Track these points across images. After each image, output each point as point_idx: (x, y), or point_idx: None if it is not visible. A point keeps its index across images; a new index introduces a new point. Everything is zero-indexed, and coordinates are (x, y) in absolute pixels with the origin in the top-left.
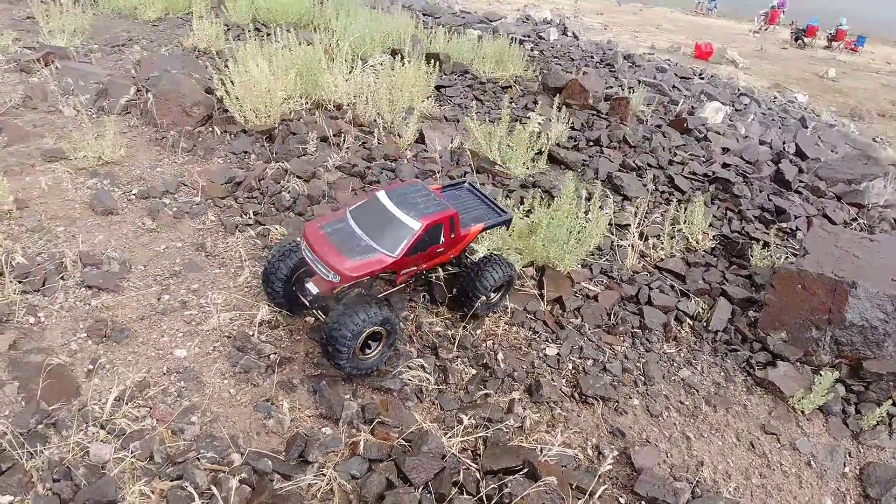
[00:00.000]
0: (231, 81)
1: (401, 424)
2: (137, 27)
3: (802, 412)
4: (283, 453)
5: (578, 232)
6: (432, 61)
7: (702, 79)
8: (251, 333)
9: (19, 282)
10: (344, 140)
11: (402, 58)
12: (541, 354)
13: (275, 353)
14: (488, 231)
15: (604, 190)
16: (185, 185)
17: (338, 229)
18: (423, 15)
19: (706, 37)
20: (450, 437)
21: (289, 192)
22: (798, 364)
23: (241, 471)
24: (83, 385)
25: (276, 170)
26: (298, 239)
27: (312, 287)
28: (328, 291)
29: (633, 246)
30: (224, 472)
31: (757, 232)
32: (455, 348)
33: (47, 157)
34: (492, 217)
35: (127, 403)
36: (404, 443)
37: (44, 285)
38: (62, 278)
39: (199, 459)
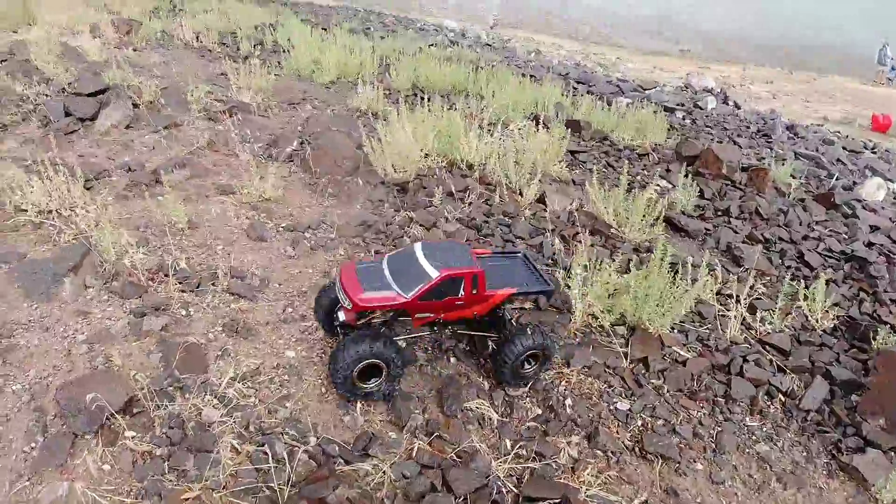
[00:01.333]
0: (378, 140)
1: (457, 442)
2: (313, 88)
3: None
4: (351, 444)
5: (672, 296)
6: (571, 128)
7: (873, 153)
8: None
9: (179, 282)
10: (468, 195)
11: (542, 123)
12: (611, 408)
13: None
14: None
15: (717, 259)
16: (325, 224)
17: (370, 269)
18: (577, 83)
19: (886, 109)
20: (499, 462)
21: (409, 238)
22: (892, 453)
23: (313, 451)
24: (210, 364)
25: (403, 217)
26: None
27: (341, 315)
28: (351, 321)
29: (736, 316)
30: (299, 447)
31: (890, 316)
32: (526, 388)
33: (220, 191)
34: (533, 284)
35: (239, 383)
36: (456, 458)
37: (198, 287)
38: (213, 284)
39: (282, 434)
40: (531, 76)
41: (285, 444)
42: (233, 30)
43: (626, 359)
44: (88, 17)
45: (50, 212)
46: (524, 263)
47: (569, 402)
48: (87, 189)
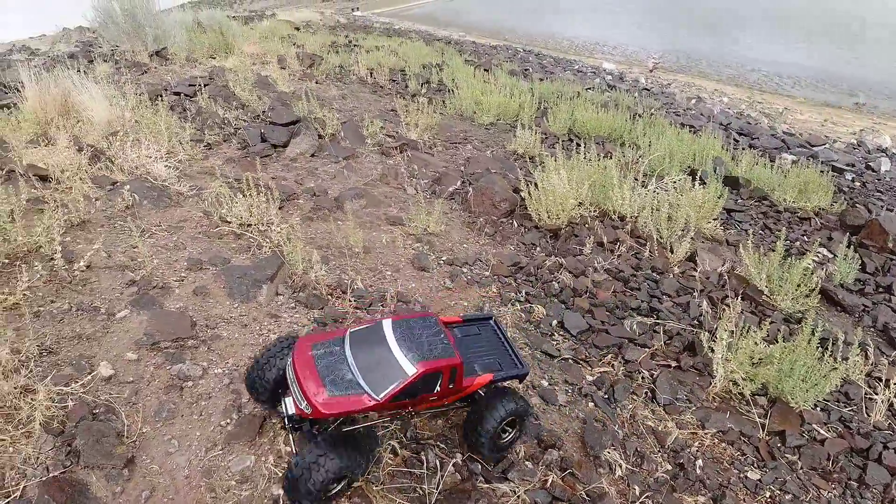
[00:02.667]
0: (535, 185)
1: (587, 483)
2: (473, 129)
3: None
4: (492, 466)
5: (818, 372)
6: (729, 185)
7: None
8: None
9: (354, 300)
10: (618, 247)
11: (698, 178)
12: (741, 475)
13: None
14: None
15: (871, 339)
16: (480, 261)
17: (329, 353)
18: (739, 135)
19: None
20: None
21: (558, 283)
22: None
23: (460, 465)
24: None
25: (553, 263)
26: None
27: (289, 405)
28: (301, 416)
29: (883, 401)
30: (448, 460)
31: None
32: (657, 445)
33: (389, 221)
34: (507, 366)
35: None
36: (586, 496)
37: (370, 307)
38: (381, 304)
39: (434, 446)
40: (689, 126)
41: (436, 454)
42: (402, 67)
43: (763, 430)
44: (276, 49)
45: (249, 225)
46: (495, 332)
47: (699, 462)
48: (280, 209)
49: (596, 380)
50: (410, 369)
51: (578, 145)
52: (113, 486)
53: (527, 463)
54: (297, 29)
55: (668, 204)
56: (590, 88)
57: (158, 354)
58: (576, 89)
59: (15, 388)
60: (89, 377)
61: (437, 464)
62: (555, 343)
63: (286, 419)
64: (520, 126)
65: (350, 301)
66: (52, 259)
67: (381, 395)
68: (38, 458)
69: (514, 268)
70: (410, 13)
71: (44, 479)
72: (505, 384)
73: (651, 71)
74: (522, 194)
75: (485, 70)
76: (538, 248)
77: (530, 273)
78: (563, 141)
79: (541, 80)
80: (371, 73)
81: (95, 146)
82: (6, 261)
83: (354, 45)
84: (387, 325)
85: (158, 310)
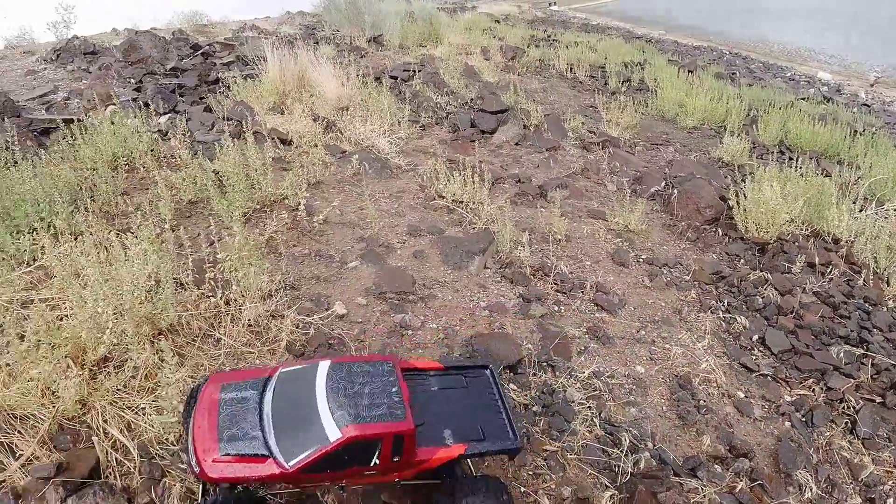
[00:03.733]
0: (744, 195)
1: (775, 497)
2: (674, 131)
3: None
4: (682, 461)
5: None
6: None
7: None
8: (694, 380)
9: (555, 283)
10: (830, 271)
11: None
12: None
13: (704, 400)
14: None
15: None
16: (681, 265)
17: (240, 399)
18: None
19: None
20: None
21: (762, 298)
22: None
23: (652, 453)
24: (573, 356)
25: (758, 278)
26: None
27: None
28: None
29: None
30: (642, 445)
31: None
32: (850, 477)
33: (590, 214)
34: (494, 435)
35: (596, 379)
36: None
37: (570, 292)
38: (581, 292)
39: (627, 430)
40: None
41: (628, 439)
42: (601, 63)
43: None
44: (479, 40)
45: (461, 202)
46: (488, 387)
47: (891, 500)
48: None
49: (795, 401)
50: (334, 433)
51: (791, 158)
52: None
53: (715, 466)
54: (497, 21)
55: (889, 233)
56: (803, 99)
57: (384, 303)
58: (788, 98)
59: (266, 311)
60: (326, 313)
61: (627, 446)
62: (754, 357)
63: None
64: (727, 133)
65: (552, 284)
66: (295, 210)
67: (291, 464)
68: None
69: (715, 276)
70: (606, 9)
71: None
72: (489, 462)
73: (872, 85)
74: (730, 203)
75: (688, 71)
76: (742, 260)
77: (732, 284)
78: (773, 153)
79: (749, 85)
80: (570, 68)
81: (328, 118)
82: (258, 206)
83: (553, 40)
84: (322, 368)
85: (383, 265)
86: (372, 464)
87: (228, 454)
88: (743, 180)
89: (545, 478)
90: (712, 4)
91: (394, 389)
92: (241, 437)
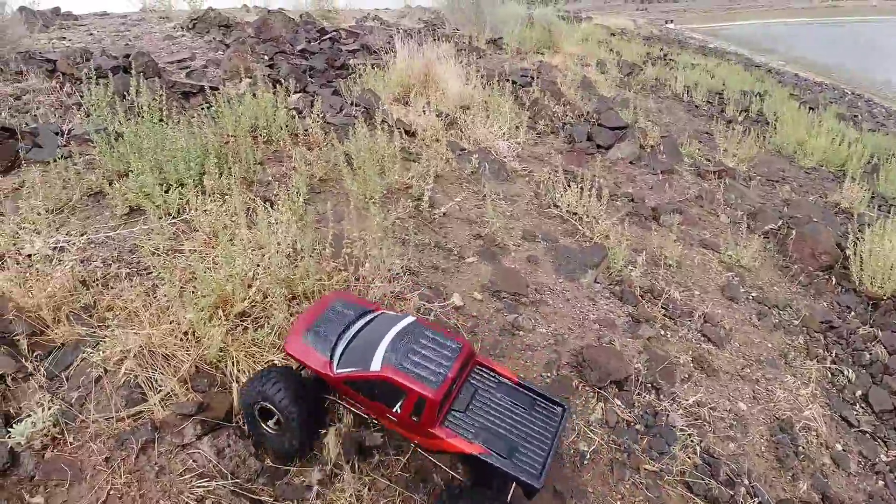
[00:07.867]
0: (862, 246)
1: None
2: (791, 169)
3: None
4: (775, 502)
5: None
6: None
7: None
8: (796, 425)
9: (664, 308)
10: None
11: None
12: None
13: (803, 447)
14: None
15: None
16: (790, 308)
17: (341, 313)
18: None
19: None
20: None
21: (870, 354)
22: None
23: (749, 491)
24: (677, 382)
25: (868, 333)
26: None
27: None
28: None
29: None
30: (738, 481)
31: None
32: None
33: (702, 243)
34: (521, 461)
35: (700, 408)
36: None
37: (678, 318)
38: (689, 321)
39: (724, 465)
40: None
41: (727, 472)
42: (719, 89)
43: None
44: (595, 52)
45: (575, 213)
46: (549, 424)
47: None
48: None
49: (890, 462)
50: (375, 366)
51: None
52: None
53: None
54: (613, 35)
55: None
56: None
57: (498, 301)
58: None
59: (392, 292)
60: (445, 302)
61: (724, 480)
62: (855, 413)
63: (315, 381)
64: (848, 178)
65: (660, 308)
66: (418, 200)
67: (338, 371)
68: None
69: (825, 325)
70: (725, 32)
71: None
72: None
73: None
74: (848, 252)
75: (810, 108)
76: (853, 313)
77: (842, 336)
78: (893, 205)
79: (871, 130)
80: (687, 91)
81: (451, 115)
82: (384, 192)
83: (669, 59)
84: (404, 321)
85: (498, 264)
86: (395, 410)
87: (305, 342)
88: (860, 230)
89: (641, 495)
90: (836, 38)
91: (445, 364)
92: (321, 336)
